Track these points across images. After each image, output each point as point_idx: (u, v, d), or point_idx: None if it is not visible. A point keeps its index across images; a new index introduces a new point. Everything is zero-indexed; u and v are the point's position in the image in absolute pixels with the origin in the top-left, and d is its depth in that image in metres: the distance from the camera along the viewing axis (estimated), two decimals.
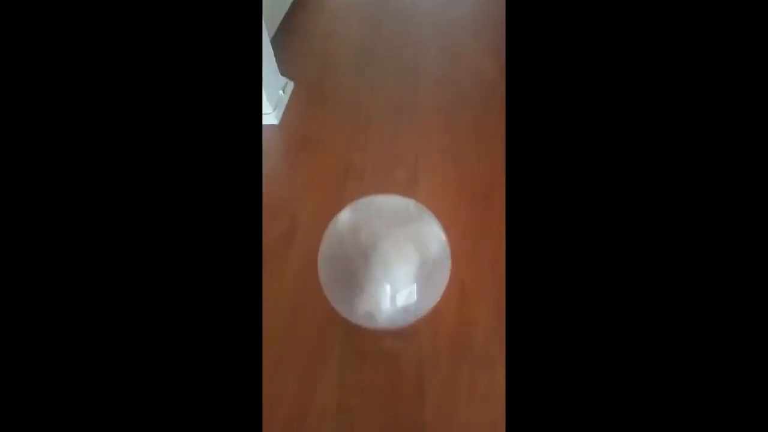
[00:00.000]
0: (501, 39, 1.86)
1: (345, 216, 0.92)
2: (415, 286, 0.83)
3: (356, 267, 0.82)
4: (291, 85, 1.64)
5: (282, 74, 1.61)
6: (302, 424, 0.84)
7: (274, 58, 1.54)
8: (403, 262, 0.82)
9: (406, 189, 1.27)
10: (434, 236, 0.89)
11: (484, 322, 0.96)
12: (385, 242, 0.82)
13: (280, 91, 1.57)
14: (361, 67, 1.79)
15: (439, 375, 0.88)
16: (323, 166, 1.38)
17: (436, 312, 0.98)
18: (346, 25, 2.11)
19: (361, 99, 1.62)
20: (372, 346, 0.94)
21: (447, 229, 1.15)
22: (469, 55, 1.79)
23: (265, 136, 1.50)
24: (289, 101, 1.60)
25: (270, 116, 1.51)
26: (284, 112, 1.56)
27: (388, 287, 0.82)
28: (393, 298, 0.82)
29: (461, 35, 1.91)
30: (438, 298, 0.89)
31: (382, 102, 1.60)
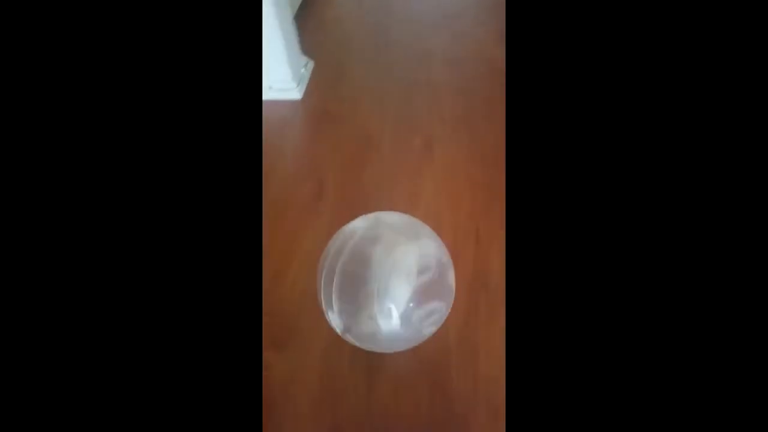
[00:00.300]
0: (504, 24, 1.95)
1: (346, 231, 0.88)
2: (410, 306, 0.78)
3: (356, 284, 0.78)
4: (312, 63, 1.73)
5: (303, 54, 1.70)
6: (340, 349, 0.94)
7: (297, 38, 1.62)
8: (402, 281, 0.77)
9: (422, 156, 1.36)
10: (435, 254, 0.85)
11: (496, 264, 1.06)
12: (385, 260, 0.78)
13: (302, 69, 1.66)
14: (376, 48, 1.88)
15: (460, 307, 0.98)
16: (344, 137, 1.47)
17: (456, 256, 1.08)
18: (360, 9, 2.19)
19: (377, 77, 1.71)
20: None
21: (463, 187, 1.25)
22: (477, 38, 1.88)
23: (289, 109, 1.59)
24: (310, 78, 1.69)
25: (294, 91, 1.60)
26: (306, 88, 1.65)
27: (388, 305, 0.77)
28: (390, 317, 0.78)
29: (469, 20, 2.00)
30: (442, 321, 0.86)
31: (396, 79, 1.69)
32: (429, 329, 0.82)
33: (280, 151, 1.44)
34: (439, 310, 0.82)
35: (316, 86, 1.68)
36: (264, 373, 0.92)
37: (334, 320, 0.81)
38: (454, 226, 1.16)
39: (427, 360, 0.91)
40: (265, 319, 0.99)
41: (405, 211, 1.21)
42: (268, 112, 1.59)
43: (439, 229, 1.15)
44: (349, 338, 0.83)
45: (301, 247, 1.13)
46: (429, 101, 1.57)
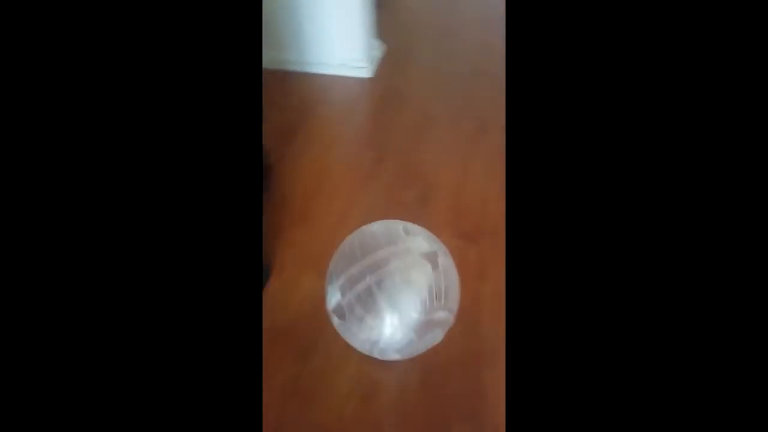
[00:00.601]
0: None
1: (364, 235, 0.86)
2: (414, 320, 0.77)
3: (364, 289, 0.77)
4: (383, 47, 1.83)
5: (377, 37, 1.81)
6: None
7: (372, 24, 1.73)
8: (410, 292, 0.77)
9: (476, 139, 1.45)
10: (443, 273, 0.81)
11: None
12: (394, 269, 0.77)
13: (374, 51, 1.77)
14: (442, 38, 1.96)
15: (498, 270, 1.07)
16: (406, 114, 1.57)
17: (500, 228, 1.16)
18: (430, 3, 2.28)
19: (441, 64, 1.80)
20: None
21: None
22: None
23: (359, 86, 1.71)
24: (381, 60, 1.80)
25: (365, 70, 1.71)
26: (376, 69, 1.76)
27: (389, 317, 0.76)
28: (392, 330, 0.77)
29: None
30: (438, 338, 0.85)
31: (458, 68, 1.77)
32: (420, 348, 0.83)
33: (348, 121, 1.56)
34: (436, 334, 0.82)
35: (385, 67, 1.78)
36: (319, 304, 1.04)
37: (335, 319, 0.84)
38: (497, 202, 1.24)
39: (462, 306, 1.01)
40: (324, 259, 1.11)
41: (455, 185, 1.30)
42: (340, 86, 1.71)
43: (484, 203, 1.24)
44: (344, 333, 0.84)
45: (360, 203, 1.25)
46: (486, 90, 1.64)
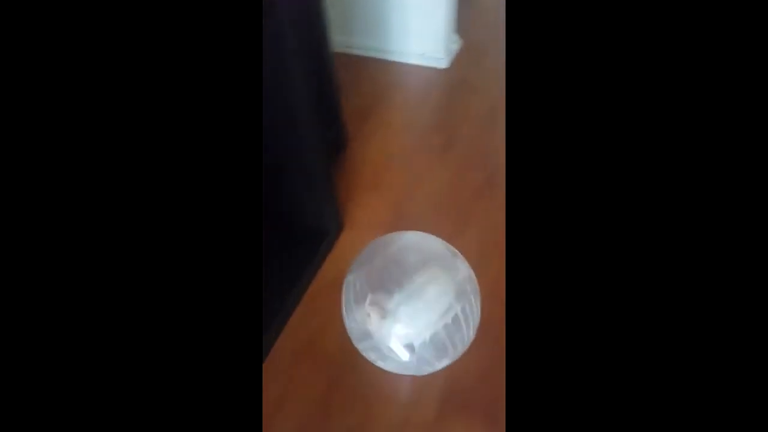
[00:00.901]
0: None
1: (390, 241, 0.89)
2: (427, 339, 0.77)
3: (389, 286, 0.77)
4: (461, 42, 1.90)
5: (455, 32, 1.87)
6: None
7: (452, 20, 1.80)
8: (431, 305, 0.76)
9: None
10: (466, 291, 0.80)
11: None
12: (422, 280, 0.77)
13: (452, 44, 1.84)
14: None
15: None
16: (477, 104, 1.63)
17: None
18: None
19: None
20: None
21: None
22: None
23: (435, 75, 1.79)
24: (457, 54, 1.86)
25: (442, 61, 1.78)
26: (452, 61, 1.83)
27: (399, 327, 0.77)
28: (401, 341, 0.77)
29: None
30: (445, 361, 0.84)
31: None
32: (428, 369, 0.82)
33: (422, 107, 1.64)
34: (445, 357, 0.81)
35: (460, 60, 1.85)
36: None
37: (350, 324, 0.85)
38: None
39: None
40: (389, 219, 1.20)
41: None
42: (417, 74, 1.80)
43: None
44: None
45: (426, 181, 1.33)
46: None
